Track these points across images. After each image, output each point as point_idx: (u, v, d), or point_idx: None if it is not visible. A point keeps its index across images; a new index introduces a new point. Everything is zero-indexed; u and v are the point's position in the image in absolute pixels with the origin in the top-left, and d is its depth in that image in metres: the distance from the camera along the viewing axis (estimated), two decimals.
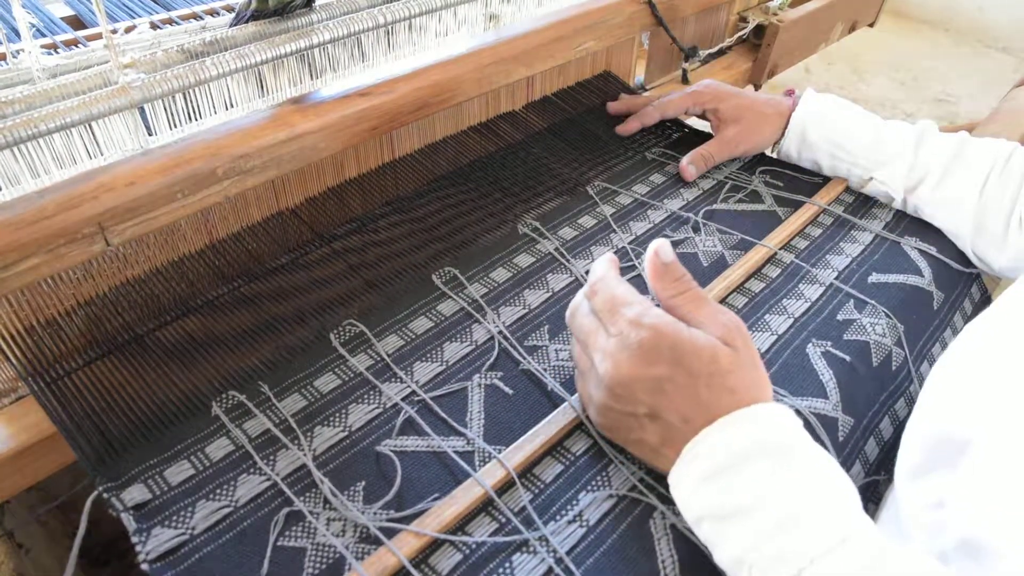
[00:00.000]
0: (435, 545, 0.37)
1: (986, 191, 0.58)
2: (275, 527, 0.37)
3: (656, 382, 0.37)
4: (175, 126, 0.50)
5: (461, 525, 0.38)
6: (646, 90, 0.82)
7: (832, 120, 0.66)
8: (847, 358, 0.49)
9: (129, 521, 0.37)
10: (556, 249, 0.57)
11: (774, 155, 0.72)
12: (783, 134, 0.69)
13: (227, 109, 0.53)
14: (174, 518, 0.37)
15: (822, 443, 0.44)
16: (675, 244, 0.59)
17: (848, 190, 0.67)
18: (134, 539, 0.36)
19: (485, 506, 0.39)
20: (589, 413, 0.42)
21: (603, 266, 0.43)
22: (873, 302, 0.54)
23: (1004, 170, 0.58)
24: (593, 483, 0.41)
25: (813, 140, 0.67)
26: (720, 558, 0.35)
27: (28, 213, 0.42)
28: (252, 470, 0.40)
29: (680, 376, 0.37)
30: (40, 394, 0.43)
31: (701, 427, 0.36)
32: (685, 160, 0.67)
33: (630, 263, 0.56)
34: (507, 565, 0.37)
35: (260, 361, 0.46)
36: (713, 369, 0.37)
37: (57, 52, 0.52)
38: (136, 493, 0.38)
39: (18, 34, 0.47)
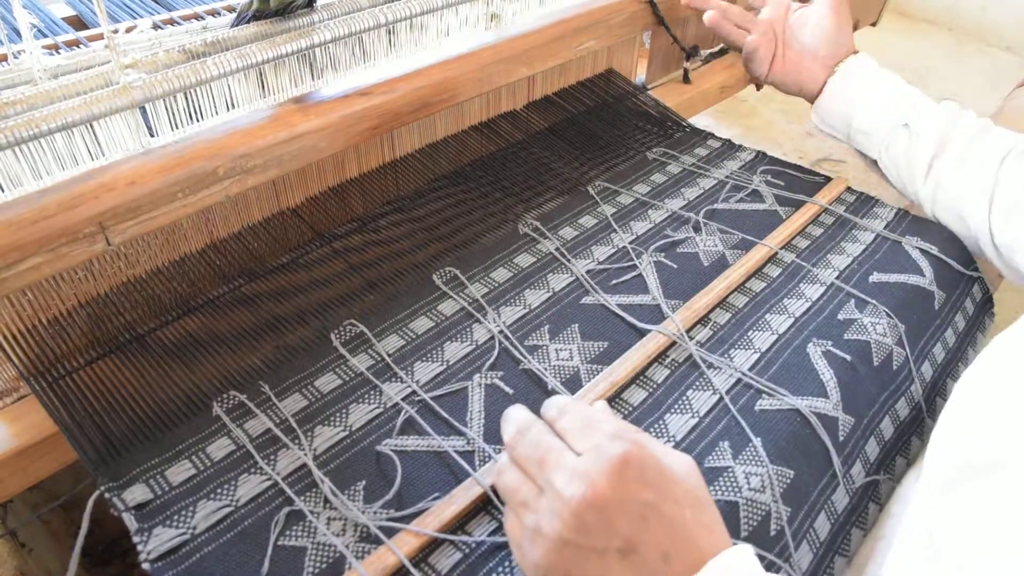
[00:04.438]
0: (435, 544, 0.37)
1: (1004, 165, 0.58)
2: (276, 526, 0.38)
3: (641, 508, 0.31)
4: (176, 126, 0.51)
5: (461, 524, 0.39)
6: (647, 90, 0.82)
7: (879, 70, 0.69)
8: (848, 358, 0.49)
9: (130, 521, 0.37)
10: (557, 249, 0.57)
11: (813, 117, 0.73)
12: (828, 82, 0.70)
13: (228, 109, 0.53)
14: (175, 518, 0.37)
15: (823, 443, 0.44)
16: (676, 244, 0.59)
17: (849, 190, 0.67)
18: (135, 539, 0.36)
19: (485, 505, 0.39)
20: (526, 557, 0.33)
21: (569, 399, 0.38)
22: (874, 302, 0.54)
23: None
24: None
25: (861, 81, 0.69)
26: None
27: (29, 213, 0.42)
28: (253, 470, 0.40)
29: (666, 504, 0.32)
30: (42, 394, 0.43)
31: (683, 571, 0.31)
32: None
33: (631, 263, 0.56)
34: (507, 564, 0.37)
35: (261, 361, 0.46)
36: (694, 500, 0.33)
37: (58, 52, 0.52)
38: (137, 493, 0.38)
39: (19, 35, 0.47)
